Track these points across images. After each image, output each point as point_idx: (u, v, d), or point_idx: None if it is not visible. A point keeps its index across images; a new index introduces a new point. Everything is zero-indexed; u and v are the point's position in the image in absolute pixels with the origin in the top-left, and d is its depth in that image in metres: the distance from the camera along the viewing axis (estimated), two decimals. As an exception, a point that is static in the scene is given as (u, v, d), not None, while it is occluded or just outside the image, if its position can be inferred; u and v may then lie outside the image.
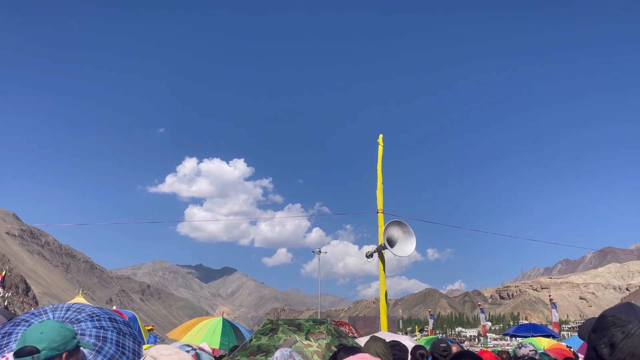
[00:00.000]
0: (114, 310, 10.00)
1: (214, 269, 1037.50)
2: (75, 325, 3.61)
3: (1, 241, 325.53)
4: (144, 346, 4.99)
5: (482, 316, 33.91)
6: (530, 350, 4.42)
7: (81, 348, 2.19)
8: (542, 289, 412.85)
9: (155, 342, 12.03)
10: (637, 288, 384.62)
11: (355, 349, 2.69)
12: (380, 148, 11.46)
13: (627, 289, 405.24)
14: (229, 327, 9.63)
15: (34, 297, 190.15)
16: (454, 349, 6.28)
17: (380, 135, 11.70)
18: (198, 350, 1.63)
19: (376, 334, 7.48)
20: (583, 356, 5.64)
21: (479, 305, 34.68)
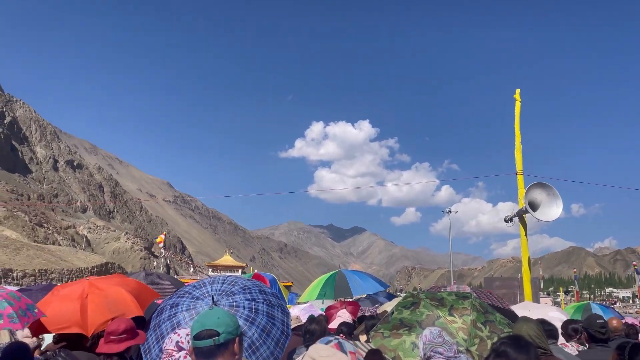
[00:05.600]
0: (255, 273, 10.71)
1: (344, 229, 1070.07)
2: (230, 297, 3.91)
3: (159, 207, 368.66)
4: (288, 306, 5.24)
5: (637, 277, 31.33)
6: None
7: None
8: None
9: (294, 302, 12.83)
10: None
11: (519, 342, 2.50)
12: (518, 104, 10.59)
13: None
14: (332, 279, 9.54)
15: (190, 256, 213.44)
16: (614, 323, 5.69)
17: (517, 90, 10.80)
18: (340, 340, 1.66)
19: (523, 308, 7.07)
20: None
21: (634, 265, 31.66)
